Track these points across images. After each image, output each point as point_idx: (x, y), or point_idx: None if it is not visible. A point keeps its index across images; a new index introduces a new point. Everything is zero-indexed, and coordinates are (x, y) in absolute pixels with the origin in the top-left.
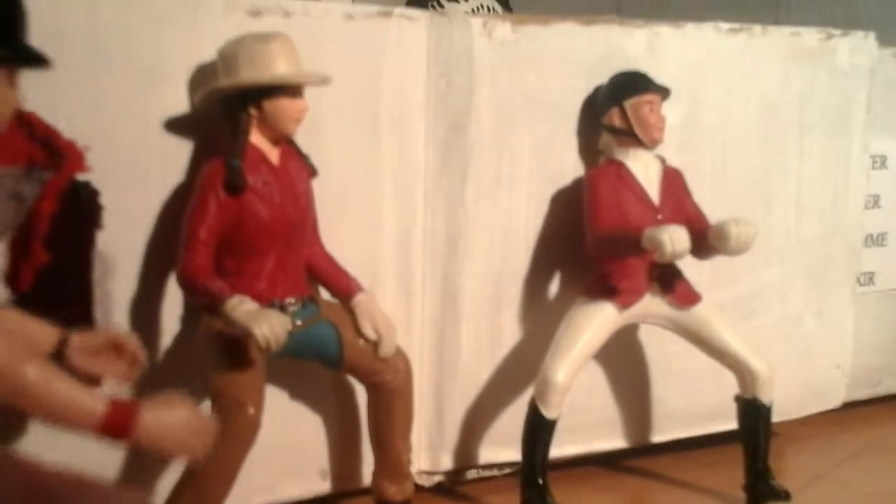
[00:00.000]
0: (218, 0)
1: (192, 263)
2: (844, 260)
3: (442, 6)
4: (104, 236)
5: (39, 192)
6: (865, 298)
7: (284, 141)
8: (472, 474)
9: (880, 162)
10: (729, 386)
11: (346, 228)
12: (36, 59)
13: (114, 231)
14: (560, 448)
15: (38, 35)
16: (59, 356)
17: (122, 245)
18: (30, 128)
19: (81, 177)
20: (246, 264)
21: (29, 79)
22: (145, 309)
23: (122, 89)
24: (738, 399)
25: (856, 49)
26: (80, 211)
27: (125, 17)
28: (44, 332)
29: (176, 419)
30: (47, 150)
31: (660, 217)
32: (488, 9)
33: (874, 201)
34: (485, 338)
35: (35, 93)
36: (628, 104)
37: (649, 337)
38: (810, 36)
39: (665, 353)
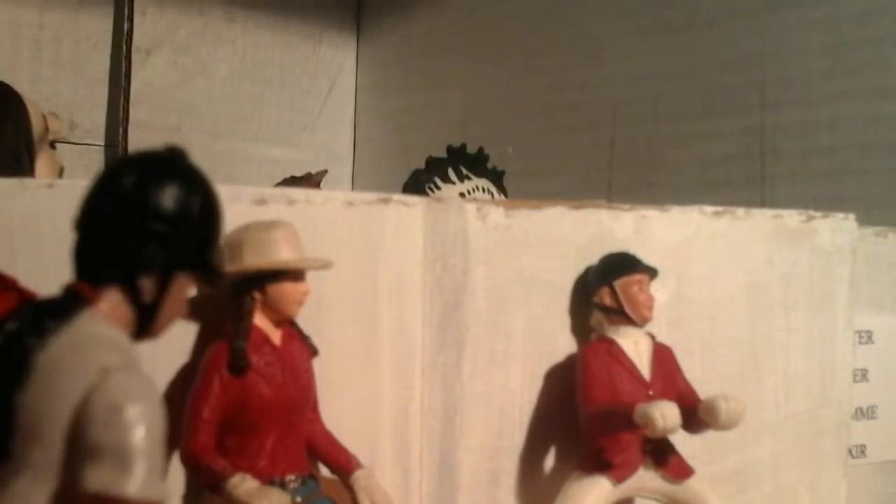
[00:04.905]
0: (224, 190)
1: (195, 443)
2: (835, 433)
3: (438, 188)
4: None
5: None
6: (858, 471)
7: (287, 322)
8: None
9: (866, 337)
10: None
11: (345, 405)
12: (218, 277)
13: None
14: None
15: None
16: None
17: None
18: None
19: None
20: (248, 442)
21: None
22: None
23: None
24: None
25: (836, 229)
26: None
27: None
28: None
29: None
30: None
31: (651, 393)
32: (484, 190)
33: (862, 375)
34: None
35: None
36: (618, 284)
37: None
38: (792, 217)
39: None
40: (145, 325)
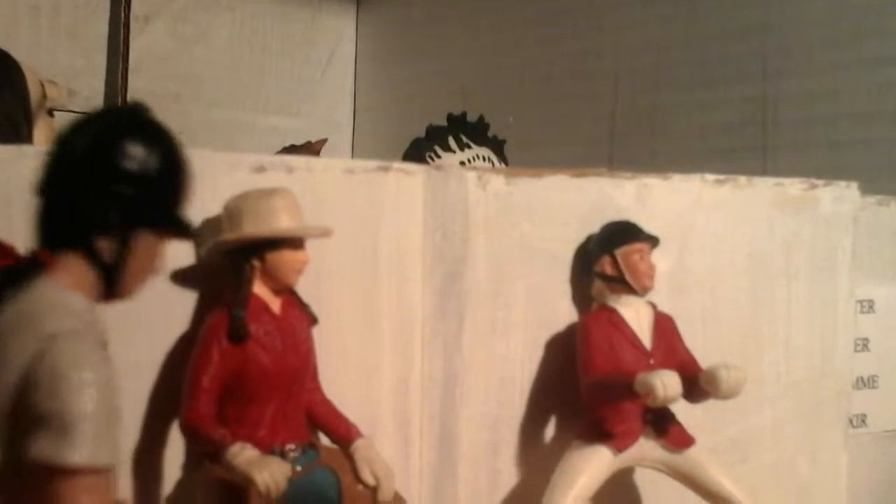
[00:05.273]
0: (223, 157)
1: (195, 412)
2: (835, 403)
3: (439, 157)
4: None
5: None
6: (858, 440)
7: (286, 291)
8: None
9: (867, 306)
10: None
11: (345, 375)
12: (187, 232)
13: (119, 381)
14: None
15: None
16: None
17: (126, 394)
18: None
19: None
20: (247, 411)
21: None
22: (148, 456)
23: None
24: None
25: (839, 198)
26: None
27: None
28: None
29: None
30: None
31: (652, 362)
32: (484, 158)
33: (863, 344)
34: (482, 482)
35: None
36: (619, 253)
37: (644, 480)
38: (794, 186)
39: (660, 496)
40: (112, 285)
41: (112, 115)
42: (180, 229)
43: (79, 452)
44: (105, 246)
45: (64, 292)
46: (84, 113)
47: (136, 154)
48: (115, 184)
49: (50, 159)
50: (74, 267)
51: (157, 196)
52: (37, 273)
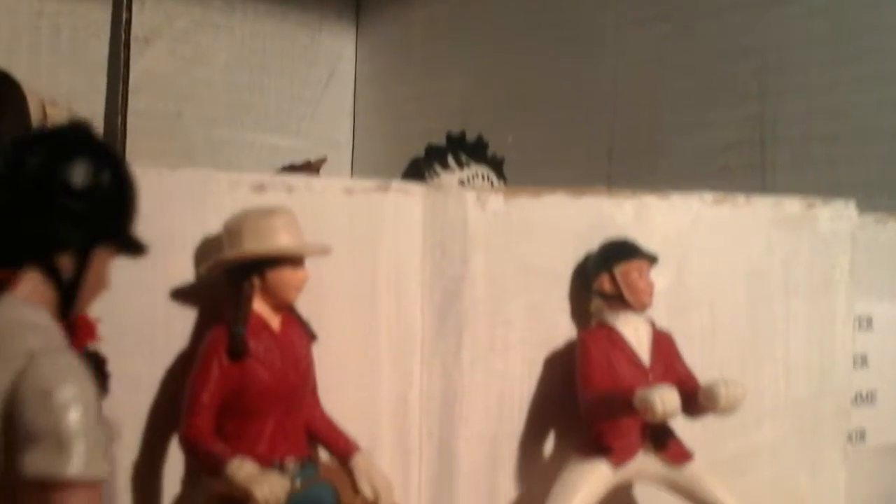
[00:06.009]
0: (224, 177)
1: (194, 427)
2: (834, 418)
3: (438, 175)
4: (110, 402)
5: None
6: (857, 456)
7: (286, 308)
8: None
9: (866, 323)
10: None
11: (344, 391)
12: (140, 248)
13: (119, 397)
14: None
15: None
16: None
17: (126, 410)
18: None
19: (91, 346)
20: (247, 427)
21: None
22: (148, 472)
23: (130, 262)
24: None
25: (837, 216)
26: None
27: None
28: None
29: None
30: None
31: (650, 378)
32: (484, 177)
33: (862, 361)
34: (482, 498)
35: None
36: (617, 270)
37: (643, 495)
38: (792, 205)
39: None
40: (68, 302)
41: (60, 134)
42: (133, 245)
43: (74, 466)
44: (65, 263)
45: (30, 309)
46: (27, 134)
47: (89, 171)
48: (72, 201)
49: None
50: (34, 284)
51: (111, 212)
52: None
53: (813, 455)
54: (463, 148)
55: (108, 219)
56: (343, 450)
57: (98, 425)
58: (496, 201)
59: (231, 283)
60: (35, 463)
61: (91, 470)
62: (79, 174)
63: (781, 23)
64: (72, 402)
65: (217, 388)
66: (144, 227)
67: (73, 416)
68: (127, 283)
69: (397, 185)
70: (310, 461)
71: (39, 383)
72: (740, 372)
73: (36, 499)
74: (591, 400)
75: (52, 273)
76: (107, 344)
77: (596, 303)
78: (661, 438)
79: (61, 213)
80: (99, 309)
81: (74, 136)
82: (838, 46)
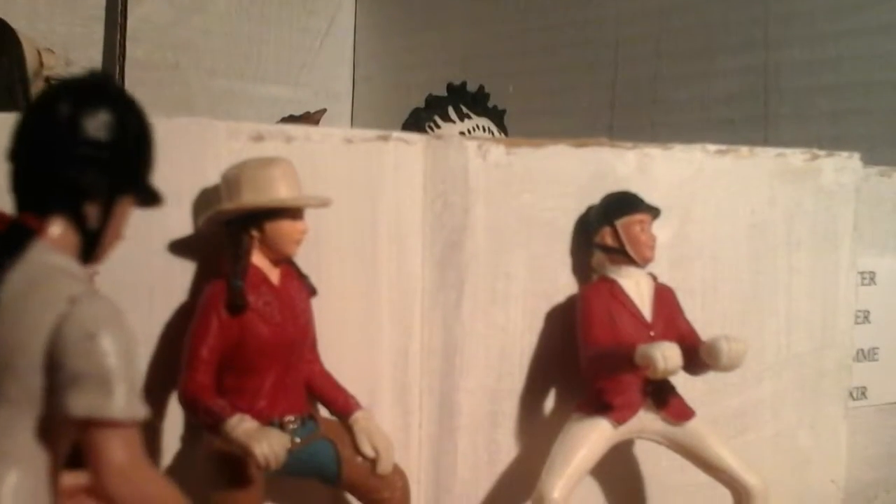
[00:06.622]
0: (222, 126)
1: (193, 383)
2: (836, 375)
3: (438, 127)
4: None
5: None
6: (858, 413)
7: (285, 261)
8: None
9: (869, 278)
10: (724, 501)
11: (344, 346)
12: (157, 199)
13: None
14: None
15: None
16: None
17: None
18: None
19: None
20: (246, 382)
21: None
22: (146, 428)
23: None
24: None
25: (841, 168)
26: None
27: None
28: None
29: None
30: None
31: (652, 334)
32: (484, 129)
33: (864, 317)
34: (482, 454)
35: None
36: (620, 223)
37: (644, 452)
38: (796, 156)
39: (660, 468)
40: (91, 250)
41: (85, 85)
42: (152, 195)
43: (117, 406)
44: (91, 211)
45: (59, 255)
46: (54, 85)
47: (115, 121)
48: (99, 150)
49: (27, 126)
50: (63, 231)
51: (135, 161)
52: (28, 239)
53: (814, 411)
54: (463, 99)
55: (132, 168)
56: (343, 407)
57: (136, 368)
58: (497, 152)
59: (229, 235)
60: (80, 403)
61: (132, 410)
62: (105, 124)
63: None
64: (114, 346)
65: (216, 342)
66: None
67: (117, 359)
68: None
69: (398, 135)
70: (310, 418)
71: (84, 327)
72: (741, 326)
73: (78, 437)
74: (591, 355)
75: (78, 220)
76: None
77: (597, 256)
78: (662, 396)
79: (89, 162)
80: None
81: (99, 88)
82: None
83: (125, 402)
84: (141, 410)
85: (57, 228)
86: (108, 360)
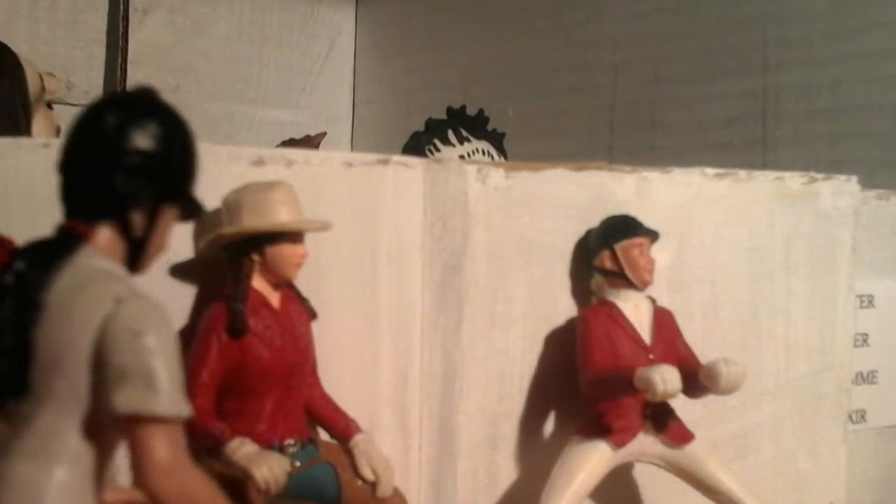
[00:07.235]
0: (222, 150)
1: (193, 406)
2: (835, 398)
3: (438, 150)
4: None
5: None
6: (858, 436)
7: (285, 285)
8: None
9: (867, 301)
10: None
11: (344, 369)
12: (199, 211)
13: None
14: None
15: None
16: None
17: None
18: None
19: None
20: (246, 406)
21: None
22: None
23: None
24: None
25: (839, 192)
26: None
27: None
28: None
29: None
30: None
31: (651, 357)
32: (484, 152)
33: (863, 340)
34: (481, 477)
35: None
36: (619, 247)
37: (644, 475)
38: (794, 180)
39: (659, 491)
40: (136, 259)
41: (133, 98)
42: (196, 207)
43: (161, 403)
44: (137, 220)
45: (106, 261)
46: (102, 97)
47: (162, 133)
48: (146, 160)
49: (76, 137)
50: (109, 238)
51: (180, 172)
52: (76, 244)
53: (813, 434)
54: (463, 122)
55: (177, 178)
56: (343, 430)
57: (179, 367)
58: (497, 176)
59: (230, 259)
60: (126, 399)
61: (177, 407)
62: (153, 135)
63: None
64: (159, 344)
65: (216, 366)
66: None
67: (162, 357)
68: None
69: (398, 158)
70: (310, 441)
71: (130, 325)
72: (740, 350)
73: (124, 433)
74: (591, 378)
75: (124, 228)
76: None
77: (597, 280)
78: (661, 419)
79: (137, 170)
80: None
81: (147, 100)
82: (841, 20)
83: (169, 398)
84: (185, 408)
85: (104, 235)
86: (153, 357)
